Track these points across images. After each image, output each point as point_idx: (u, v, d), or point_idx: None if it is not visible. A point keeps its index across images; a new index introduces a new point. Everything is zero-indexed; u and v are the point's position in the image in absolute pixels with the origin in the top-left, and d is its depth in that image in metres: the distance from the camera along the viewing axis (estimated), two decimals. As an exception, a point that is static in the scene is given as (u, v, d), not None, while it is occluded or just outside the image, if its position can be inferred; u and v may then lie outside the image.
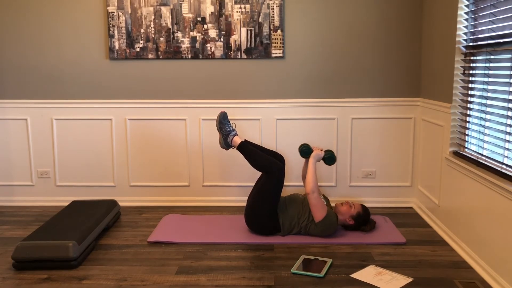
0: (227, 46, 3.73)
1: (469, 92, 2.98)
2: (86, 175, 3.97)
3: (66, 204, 3.85)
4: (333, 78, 3.77)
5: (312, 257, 2.84)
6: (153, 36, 3.74)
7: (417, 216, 3.65)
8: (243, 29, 3.71)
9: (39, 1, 3.75)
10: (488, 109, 2.76)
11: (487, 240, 2.60)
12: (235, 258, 2.89)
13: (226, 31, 3.72)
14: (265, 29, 3.69)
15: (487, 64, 2.76)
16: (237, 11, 3.69)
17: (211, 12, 3.70)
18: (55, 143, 3.93)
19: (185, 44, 3.74)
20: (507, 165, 2.50)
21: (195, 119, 3.86)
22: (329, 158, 3.28)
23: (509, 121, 2.52)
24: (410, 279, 2.58)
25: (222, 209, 3.85)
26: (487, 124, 2.77)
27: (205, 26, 3.72)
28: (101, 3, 3.74)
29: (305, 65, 3.76)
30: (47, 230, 2.96)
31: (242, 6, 3.68)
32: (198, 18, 3.71)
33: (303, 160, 3.85)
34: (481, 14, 2.80)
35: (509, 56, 2.53)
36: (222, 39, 3.73)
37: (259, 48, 3.72)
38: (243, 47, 3.73)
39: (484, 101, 2.80)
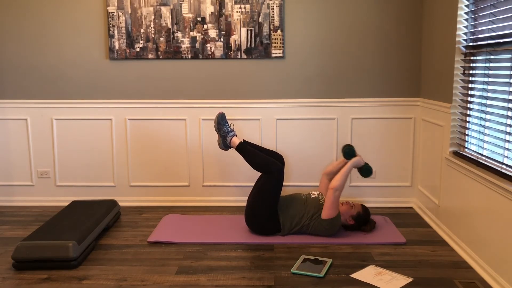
0: (227, 46, 3.73)
1: (469, 92, 2.98)
2: (86, 175, 3.97)
3: (66, 204, 3.85)
4: (333, 78, 3.77)
5: (312, 257, 2.84)
6: (153, 36, 3.74)
7: (417, 216, 3.65)
8: (243, 29, 3.71)
9: (39, 1, 3.75)
10: (488, 109, 2.76)
11: (487, 240, 2.60)
12: (235, 258, 2.89)
13: (226, 31, 3.72)
14: (265, 29, 3.69)
15: (487, 64, 2.76)
16: (237, 11, 3.69)
17: (211, 12, 3.70)
18: (55, 143, 3.93)
19: (185, 44, 3.74)
20: (507, 165, 2.50)
21: (195, 119, 3.86)
22: (366, 169, 3.23)
23: (509, 121, 2.52)
24: (410, 279, 2.58)
25: (222, 209, 3.85)
26: (487, 124, 2.77)
27: (205, 26, 3.72)
28: (101, 3, 3.74)
29: (305, 65, 3.76)
30: (47, 230, 2.96)
31: (242, 6, 3.68)
32: (198, 18, 3.71)
33: (303, 160, 3.86)
34: (481, 14, 2.79)
35: (509, 56, 2.53)
36: (222, 39, 3.73)
37: (259, 48, 3.72)
38: (243, 47, 3.73)
39: (484, 101, 2.80)
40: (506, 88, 2.56)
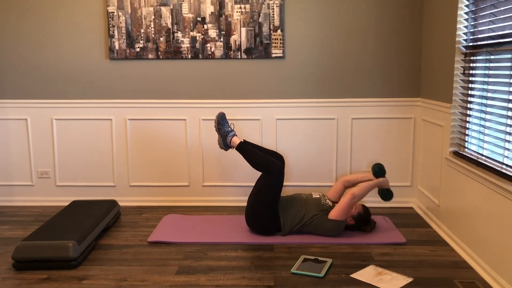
0: (227, 46, 3.73)
1: (469, 92, 2.98)
2: (86, 175, 3.97)
3: (66, 204, 3.85)
4: (333, 78, 3.77)
5: (312, 257, 2.84)
6: (153, 36, 3.74)
7: (417, 216, 3.65)
8: (243, 29, 3.71)
9: (39, 1, 3.75)
10: (488, 109, 2.76)
11: (487, 240, 2.60)
12: (235, 258, 2.89)
13: (226, 31, 3.72)
14: (265, 29, 3.69)
15: (487, 64, 2.76)
16: (237, 11, 3.69)
17: (211, 12, 3.70)
18: (55, 143, 3.93)
19: (185, 44, 3.74)
20: (507, 165, 2.50)
21: (195, 119, 3.86)
22: (388, 193, 3.31)
23: (509, 121, 2.52)
24: (410, 279, 2.58)
25: (222, 209, 3.85)
26: (487, 124, 2.77)
27: (205, 26, 3.72)
28: (101, 3, 3.74)
29: (305, 65, 3.76)
30: (47, 230, 2.96)
31: (242, 6, 3.68)
32: (198, 18, 3.71)
33: (303, 160, 3.86)
34: (481, 14, 2.79)
35: (509, 56, 2.53)
36: (222, 39, 3.73)
37: (259, 48, 3.72)
38: (243, 47, 3.73)
39: (484, 101, 2.80)
40: (506, 88, 2.55)
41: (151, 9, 3.71)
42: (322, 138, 3.84)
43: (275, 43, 3.71)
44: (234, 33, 3.72)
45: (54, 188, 3.99)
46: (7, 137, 3.94)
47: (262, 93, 3.81)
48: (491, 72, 2.73)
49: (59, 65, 3.83)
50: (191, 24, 3.72)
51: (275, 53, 3.73)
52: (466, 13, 2.97)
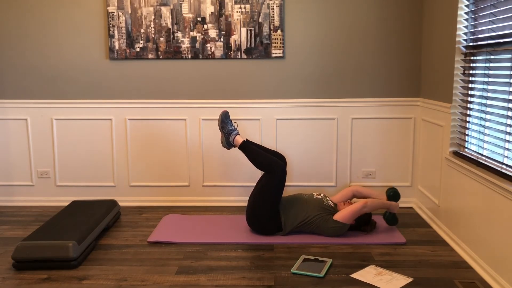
0: (227, 46, 3.73)
1: (469, 92, 2.98)
2: (86, 175, 3.96)
3: (66, 204, 3.85)
4: (333, 78, 3.77)
5: (312, 257, 2.84)
6: (153, 36, 3.74)
7: (417, 216, 3.65)
8: (243, 29, 3.71)
9: (39, 1, 3.75)
10: (488, 109, 2.76)
11: (487, 240, 2.60)
12: (235, 258, 2.89)
13: (226, 31, 3.72)
14: (265, 29, 3.69)
15: (487, 64, 2.76)
16: (237, 11, 3.69)
17: (211, 12, 3.70)
18: (55, 143, 3.93)
19: (185, 44, 3.74)
20: (507, 165, 2.49)
21: (195, 119, 3.86)
22: (394, 218, 3.31)
23: (509, 121, 2.52)
24: (410, 279, 2.58)
25: (222, 209, 3.85)
26: (487, 124, 2.77)
27: (205, 26, 3.72)
28: (101, 3, 3.74)
29: (305, 65, 3.76)
30: (47, 230, 2.96)
31: (242, 6, 3.68)
32: (198, 18, 3.71)
33: (303, 160, 3.87)
34: (481, 14, 2.79)
35: (509, 56, 2.53)
36: (222, 39, 3.73)
37: (259, 48, 3.72)
38: (243, 47, 3.73)
39: (484, 101, 2.80)
40: (506, 88, 2.55)
41: (151, 9, 3.71)
42: (322, 138, 3.84)
43: (275, 43, 3.71)
44: (234, 33, 3.72)
45: (54, 188, 3.99)
46: (7, 137, 3.94)
47: (262, 93, 3.81)
48: (491, 72, 2.73)
49: (59, 65, 3.84)
50: (191, 24, 3.72)
51: (275, 53, 3.73)
52: (466, 13, 2.97)
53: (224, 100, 3.82)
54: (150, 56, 3.77)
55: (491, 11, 2.67)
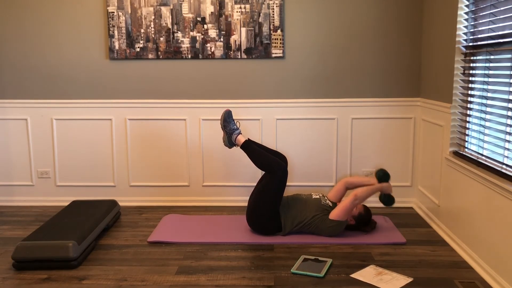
0: (227, 46, 3.73)
1: (469, 92, 2.98)
2: (86, 175, 3.97)
3: (66, 204, 3.85)
4: (333, 78, 3.77)
5: (312, 257, 2.84)
6: (153, 36, 3.74)
7: (417, 216, 3.65)
8: (243, 29, 3.71)
9: (39, 1, 3.75)
10: (488, 109, 2.76)
11: (487, 240, 2.60)
12: (235, 258, 2.89)
13: (226, 31, 3.72)
14: (265, 29, 3.69)
15: (487, 64, 2.76)
16: (237, 11, 3.69)
17: (211, 12, 3.70)
18: (55, 143, 3.93)
19: (185, 44, 3.74)
20: (507, 165, 2.50)
21: (195, 119, 3.86)
22: (389, 198, 3.31)
23: (509, 121, 2.52)
24: (410, 279, 2.58)
25: (222, 209, 3.85)
26: (487, 124, 2.77)
27: (205, 26, 3.72)
28: (101, 3, 3.74)
29: (305, 65, 3.76)
30: (47, 230, 2.96)
31: (242, 6, 3.68)
32: (198, 18, 3.71)
33: (303, 160, 3.86)
34: (481, 14, 2.79)
35: (509, 56, 2.53)
36: (222, 39, 3.73)
37: (259, 48, 3.72)
38: (243, 47, 3.73)
39: (484, 101, 2.80)
40: (506, 88, 2.55)
41: (151, 9, 3.71)
42: (322, 138, 3.84)
43: (275, 43, 3.71)
44: (234, 33, 3.72)
45: (54, 188, 3.99)
46: (7, 137, 3.94)
47: (262, 93, 3.81)
48: (491, 72, 2.73)
49: (59, 65, 3.84)
50: (191, 24, 3.72)
51: (275, 53, 3.73)
52: (466, 13, 2.97)
53: (224, 100, 3.82)
54: (150, 56, 3.77)
55: (491, 11, 2.67)
